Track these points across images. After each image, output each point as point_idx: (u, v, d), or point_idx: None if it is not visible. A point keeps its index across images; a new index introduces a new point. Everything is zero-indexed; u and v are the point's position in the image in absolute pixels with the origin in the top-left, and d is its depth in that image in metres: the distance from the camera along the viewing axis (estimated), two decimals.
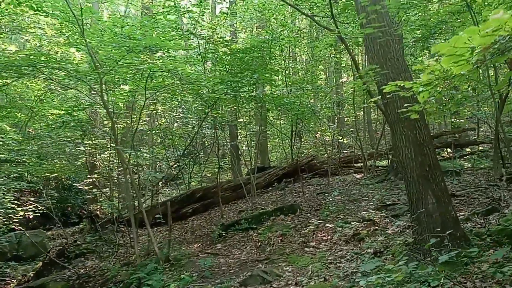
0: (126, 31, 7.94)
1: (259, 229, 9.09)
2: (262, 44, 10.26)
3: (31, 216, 14.81)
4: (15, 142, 12.00)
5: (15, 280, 11.65)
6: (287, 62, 17.56)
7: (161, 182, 18.48)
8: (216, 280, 6.44)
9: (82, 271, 9.55)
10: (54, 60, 7.09)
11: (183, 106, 13.70)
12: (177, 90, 9.00)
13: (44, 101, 13.10)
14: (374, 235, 7.22)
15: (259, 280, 6.07)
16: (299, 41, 15.89)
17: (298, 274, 6.10)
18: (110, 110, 8.66)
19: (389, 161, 13.07)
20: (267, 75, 9.51)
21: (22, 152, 12.66)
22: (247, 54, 8.96)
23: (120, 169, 9.21)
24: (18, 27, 12.23)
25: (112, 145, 10.03)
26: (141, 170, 13.98)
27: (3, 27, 12.52)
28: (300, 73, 16.76)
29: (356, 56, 15.90)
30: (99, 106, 10.21)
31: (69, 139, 13.42)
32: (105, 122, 15.24)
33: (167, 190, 21.52)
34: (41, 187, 17.01)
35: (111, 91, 9.46)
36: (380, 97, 5.32)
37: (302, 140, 18.70)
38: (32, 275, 11.05)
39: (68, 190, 18.23)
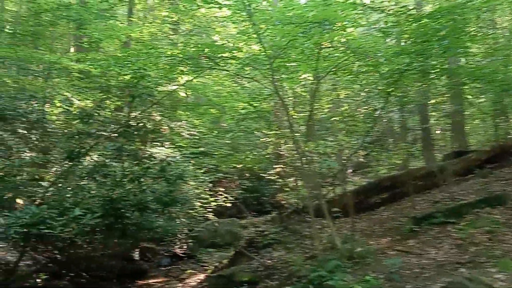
0: (296, 13, 7.47)
1: (459, 224, 7.77)
2: (453, 9, 8.78)
3: (228, 205, 15.82)
4: (208, 136, 12.81)
5: (211, 267, 12.46)
6: (485, 29, 15.19)
7: (349, 171, 17.98)
8: (406, 286, 5.54)
9: (269, 261, 9.54)
10: (225, 49, 7.03)
11: (368, 89, 12.85)
12: (352, 68, 8.20)
13: (234, 94, 13.67)
14: None
15: None
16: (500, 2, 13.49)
17: None
18: (285, 98, 8.37)
19: None
20: (460, 41, 8.05)
21: (214, 146, 13.45)
22: (434, 20, 7.66)
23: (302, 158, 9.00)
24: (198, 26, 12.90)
25: (295, 134, 9.85)
26: (324, 159, 13.63)
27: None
28: (502, 40, 14.30)
29: None
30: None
31: (255, 130, 13.78)
32: (290, 112, 15.32)
33: (356, 178, 20.94)
34: (235, 177, 18.05)
35: (286, 78, 9.19)
36: None
37: (509, 118, 16.16)
38: (225, 262, 11.57)
39: (260, 180, 18.91)
